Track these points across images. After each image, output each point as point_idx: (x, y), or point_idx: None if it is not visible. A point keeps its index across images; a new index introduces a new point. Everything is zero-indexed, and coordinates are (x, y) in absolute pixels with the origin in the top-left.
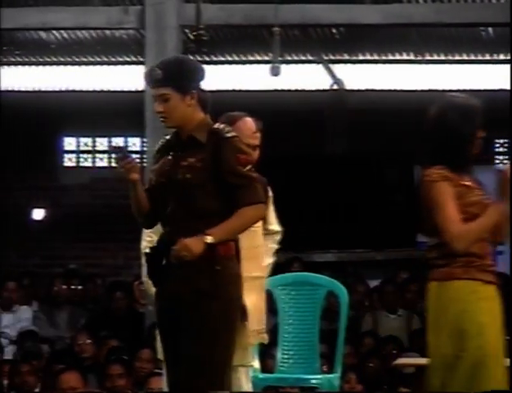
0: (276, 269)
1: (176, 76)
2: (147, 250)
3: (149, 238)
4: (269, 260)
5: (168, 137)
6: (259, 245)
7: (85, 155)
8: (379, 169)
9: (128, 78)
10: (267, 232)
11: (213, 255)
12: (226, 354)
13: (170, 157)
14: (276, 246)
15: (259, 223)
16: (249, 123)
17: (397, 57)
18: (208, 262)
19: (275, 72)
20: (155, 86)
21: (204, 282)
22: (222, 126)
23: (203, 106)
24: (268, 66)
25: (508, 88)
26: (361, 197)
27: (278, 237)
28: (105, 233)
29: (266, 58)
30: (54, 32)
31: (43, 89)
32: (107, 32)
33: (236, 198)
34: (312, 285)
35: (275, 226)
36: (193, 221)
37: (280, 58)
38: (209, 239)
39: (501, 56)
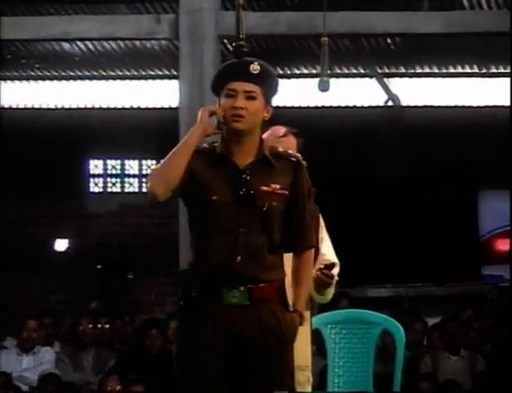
0: (323, 306)
1: (270, 80)
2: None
3: None
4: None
5: (207, 145)
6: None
7: (113, 180)
8: (439, 193)
9: (161, 94)
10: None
11: (283, 295)
12: None
13: (230, 173)
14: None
15: None
16: (276, 128)
17: (459, 70)
18: (280, 303)
19: (323, 87)
20: (247, 79)
21: (279, 325)
22: (291, 152)
23: (266, 123)
24: (316, 80)
25: None
26: (419, 225)
27: (336, 270)
28: (136, 266)
29: (313, 71)
30: (78, 43)
31: (66, 106)
32: (137, 43)
33: (298, 237)
34: (366, 323)
35: (331, 257)
36: (267, 250)
37: (329, 71)
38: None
39: None
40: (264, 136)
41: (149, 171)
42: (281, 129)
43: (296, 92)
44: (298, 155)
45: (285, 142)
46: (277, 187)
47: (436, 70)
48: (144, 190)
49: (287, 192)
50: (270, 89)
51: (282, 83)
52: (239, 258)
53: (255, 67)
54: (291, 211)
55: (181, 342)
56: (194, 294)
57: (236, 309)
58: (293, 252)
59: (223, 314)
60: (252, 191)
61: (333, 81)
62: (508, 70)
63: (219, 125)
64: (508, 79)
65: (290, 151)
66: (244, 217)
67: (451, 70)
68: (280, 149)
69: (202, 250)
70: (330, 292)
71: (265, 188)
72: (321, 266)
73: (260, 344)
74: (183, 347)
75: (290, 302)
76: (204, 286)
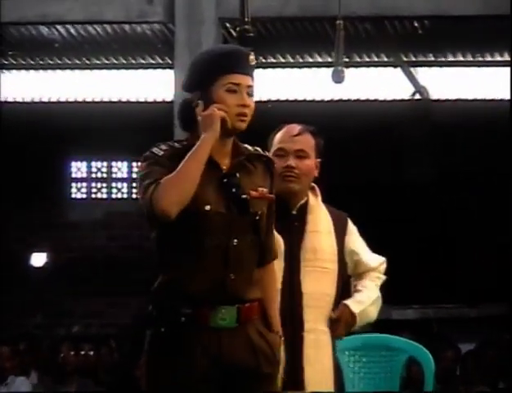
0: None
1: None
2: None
3: None
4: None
5: (178, 144)
6: (329, 292)
7: (98, 184)
8: (473, 200)
9: (154, 86)
10: (359, 273)
11: (264, 314)
12: None
13: (216, 176)
14: (377, 284)
15: (330, 264)
16: (290, 127)
17: (497, 59)
18: (263, 323)
19: (337, 78)
20: (249, 72)
21: (270, 348)
22: (259, 149)
23: None
24: (330, 70)
25: None
26: (451, 237)
27: (383, 267)
28: (123, 284)
29: (327, 60)
30: (58, 27)
31: (44, 100)
32: (126, 27)
33: (266, 247)
34: (389, 349)
35: (371, 262)
36: (255, 266)
37: (345, 60)
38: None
39: None
40: (278, 135)
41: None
42: (296, 127)
43: (307, 83)
44: (267, 153)
45: (300, 141)
46: (265, 190)
47: (470, 59)
48: (134, 196)
49: (274, 197)
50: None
51: (292, 73)
52: (231, 275)
53: (252, 58)
54: (267, 215)
55: (162, 374)
56: (183, 318)
57: (224, 333)
58: (259, 264)
59: (210, 338)
60: (243, 197)
61: (350, 71)
62: None
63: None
64: None
65: (258, 148)
66: (237, 227)
67: (488, 59)
68: (249, 147)
69: (189, 269)
70: (369, 314)
71: (254, 193)
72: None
73: (255, 372)
74: (166, 379)
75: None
76: (191, 308)
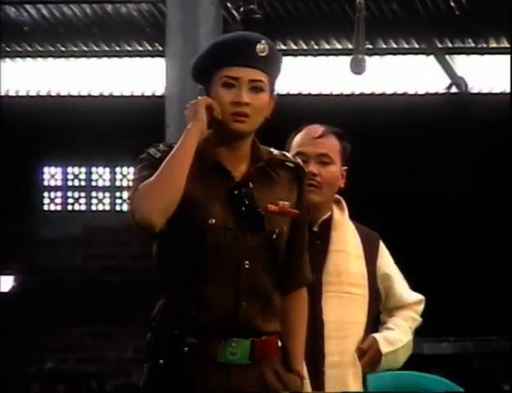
0: None
1: (278, 66)
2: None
3: None
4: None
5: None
6: (357, 320)
7: (76, 194)
8: None
9: (141, 77)
10: (390, 308)
11: (283, 350)
12: None
13: (226, 185)
14: (410, 326)
15: (358, 289)
16: (312, 128)
17: None
18: (281, 361)
19: (357, 68)
20: (253, 64)
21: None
22: (288, 155)
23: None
24: (349, 59)
25: None
26: (493, 258)
27: (419, 308)
28: (106, 312)
29: (348, 46)
30: (27, 7)
31: (12, 94)
32: (108, 7)
33: (294, 272)
34: (422, 389)
35: (406, 296)
36: (273, 292)
37: (368, 46)
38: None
39: None
40: (297, 137)
41: (125, 182)
42: (319, 128)
43: (323, 74)
44: (298, 159)
45: (323, 144)
46: (286, 204)
47: None
48: (118, 208)
49: (297, 212)
50: (276, 76)
51: (306, 62)
52: (244, 303)
53: (263, 47)
54: (294, 235)
55: None
56: (186, 349)
57: (234, 370)
58: (284, 291)
59: (217, 376)
60: (257, 211)
61: (374, 59)
62: None
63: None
64: None
65: (287, 154)
66: (249, 247)
67: None
68: (276, 152)
69: (192, 293)
70: (397, 359)
71: (272, 207)
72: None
73: None
74: None
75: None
76: (195, 338)
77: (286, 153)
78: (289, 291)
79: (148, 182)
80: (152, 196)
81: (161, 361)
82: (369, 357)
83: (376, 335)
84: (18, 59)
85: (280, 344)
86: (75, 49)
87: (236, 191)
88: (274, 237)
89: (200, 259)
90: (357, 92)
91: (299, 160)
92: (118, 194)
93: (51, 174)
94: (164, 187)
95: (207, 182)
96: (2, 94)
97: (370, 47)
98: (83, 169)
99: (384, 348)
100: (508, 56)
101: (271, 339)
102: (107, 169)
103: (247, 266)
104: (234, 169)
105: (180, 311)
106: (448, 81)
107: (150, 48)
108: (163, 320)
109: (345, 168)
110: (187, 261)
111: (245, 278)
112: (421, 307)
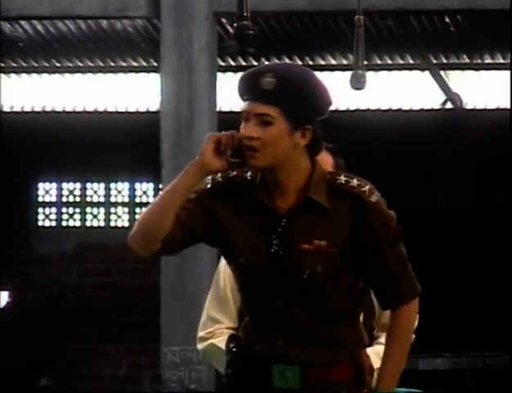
0: None
1: (294, 95)
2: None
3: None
4: None
5: (231, 175)
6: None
7: (70, 210)
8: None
9: (136, 92)
10: (383, 324)
11: (359, 375)
12: None
13: (265, 222)
14: None
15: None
16: (322, 156)
17: None
18: (355, 386)
19: (357, 83)
20: (257, 98)
21: None
22: (357, 182)
23: (313, 148)
24: (345, 74)
25: None
26: (490, 272)
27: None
28: (101, 329)
29: (342, 62)
30: (22, 23)
31: (6, 110)
32: (103, 23)
33: (385, 292)
34: None
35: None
36: (321, 326)
37: (365, 63)
38: None
39: None
40: None
41: (119, 198)
42: (325, 156)
43: None
44: (366, 186)
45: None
46: (323, 243)
47: (510, 61)
48: (112, 224)
49: (336, 251)
50: (298, 106)
51: None
52: (280, 341)
53: (268, 80)
54: (366, 264)
55: None
56: (229, 370)
57: None
58: (386, 309)
59: None
60: (287, 251)
61: (370, 75)
62: None
63: (236, 157)
64: None
65: (355, 182)
66: (280, 287)
67: None
68: (342, 179)
69: (245, 320)
70: None
71: (306, 246)
72: None
73: None
74: None
75: None
76: (250, 361)
77: (355, 180)
78: (388, 308)
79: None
80: (138, 225)
81: (229, 371)
82: None
83: (368, 350)
84: (13, 75)
85: (354, 369)
86: (70, 65)
87: (272, 229)
88: (305, 277)
89: (243, 293)
90: (352, 107)
91: (366, 189)
92: (112, 210)
93: (46, 190)
94: (145, 222)
95: (246, 220)
96: None
97: (366, 62)
98: (78, 185)
99: (376, 363)
100: (502, 72)
101: (331, 367)
102: (102, 185)
103: (279, 304)
104: (282, 204)
105: (239, 335)
106: (443, 97)
107: (144, 64)
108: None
109: None
110: (239, 292)
111: (279, 316)
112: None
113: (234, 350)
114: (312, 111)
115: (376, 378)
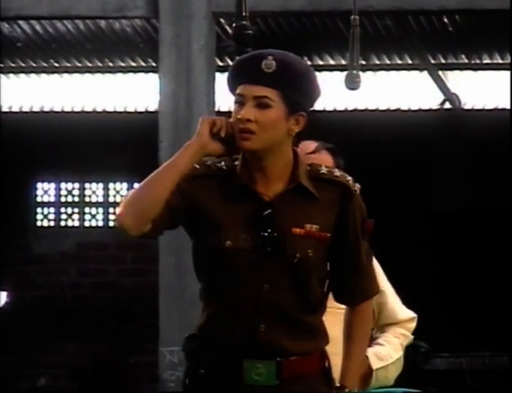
0: None
1: (293, 80)
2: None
3: None
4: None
5: (222, 163)
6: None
7: (69, 210)
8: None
9: (135, 92)
10: (382, 325)
11: (326, 369)
12: None
13: (251, 208)
14: (401, 342)
15: None
16: (305, 143)
17: None
18: (323, 380)
19: (352, 83)
20: (257, 80)
21: None
22: (339, 173)
23: (299, 137)
24: (343, 74)
25: None
26: (488, 272)
27: (411, 325)
28: (100, 329)
29: (341, 62)
30: (21, 23)
31: (5, 110)
32: (102, 23)
33: (352, 286)
34: None
35: (398, 313)
36: (302, 312)
37: (361, 62)
38: None
39: None
40: None
41: (118, 198)
42: (312, 144)
43: None
44: (348, 177)
45: (315, 159)
46: (314, 227)
47: (509, 61)
48: (111, 224)
49: (328, 235)
50: (297, 91)
51: None
52: (263, 326)
53: (269, 63)
54: (340, 254)
55: None
56: (202, 371)
57: (262, 391)
58: (345, 304)
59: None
60: (278, 235)
61: (367, 75)
62: None
63: (227, 142)
64: None
65: (337, 173)
66: (269, 270)
67: None
68: (324, 169)
69: (213, 313)
70: (388, 375)
71: (297, 230)
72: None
73: None
74: None
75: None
76: (217, 359)
77: (337, 171)
78: (349, 304)
79: (133, 189)
80: (129, 202)
81: (186, 381)
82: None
83: (368, 350)
84: (11, 75)
85: (327, 363)
86: (69, 65)
87: (260, 213)
88: (295, 261)
89: (219, 281)
90: (350, 107)
91: (349, 179)
92: (111, 210)
93: (45, 190)
94: (141, 196)
95: (232, 204)
96: None
97: (364, 62)
98: (77, 185)
99: (375, 364)
100: (501, 72)
101: (304, 359)
102: (100, 185)
103: (266, 288)
104: (265, 191)
105: (203, 333)
106: (442, 97)
107: (143, 64)
108: (191, 343)
109: None
110: (210, 282)
111: (264, 301)
112: (413, 325)
113: (197, 348)
114: (307, 99)
115: (340, 375)
